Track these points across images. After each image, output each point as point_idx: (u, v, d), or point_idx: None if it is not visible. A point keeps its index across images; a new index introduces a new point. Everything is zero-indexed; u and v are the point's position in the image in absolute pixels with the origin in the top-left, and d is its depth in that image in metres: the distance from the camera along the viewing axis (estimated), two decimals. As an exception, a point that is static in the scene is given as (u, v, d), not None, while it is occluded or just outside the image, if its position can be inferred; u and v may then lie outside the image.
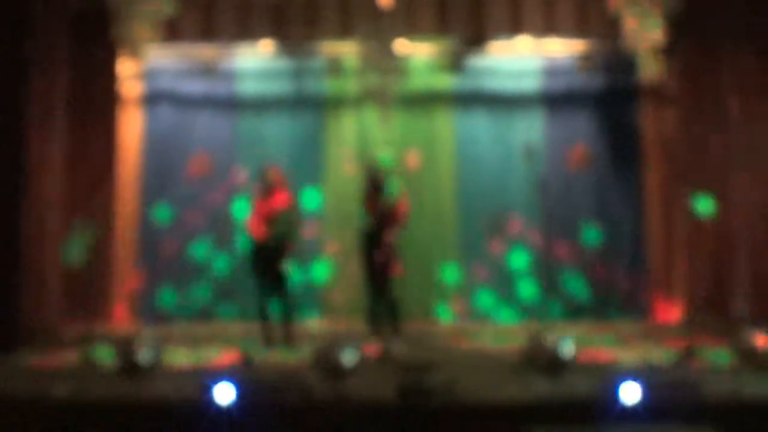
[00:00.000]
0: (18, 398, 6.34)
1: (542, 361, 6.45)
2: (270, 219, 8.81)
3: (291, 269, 8.86)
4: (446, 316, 11.10)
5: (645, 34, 8.97)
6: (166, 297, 11.22)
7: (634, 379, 6.02)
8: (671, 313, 10.74)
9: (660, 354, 8.02)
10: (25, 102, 8.76)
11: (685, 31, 9.87)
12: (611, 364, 7.62)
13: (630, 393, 5.97)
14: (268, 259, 8.80)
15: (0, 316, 8.53)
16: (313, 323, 10.70)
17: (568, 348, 6.43)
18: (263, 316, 8.94)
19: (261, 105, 11.56)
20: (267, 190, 8.96)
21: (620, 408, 5.95)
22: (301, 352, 8.10)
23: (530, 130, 11.34)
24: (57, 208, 9.71)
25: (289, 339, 8.80)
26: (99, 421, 6.07)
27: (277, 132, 11.52)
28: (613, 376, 6.19)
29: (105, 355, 7.61)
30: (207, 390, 5.96)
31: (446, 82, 11.46)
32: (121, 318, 11.01)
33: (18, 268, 8.81)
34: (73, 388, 6.43)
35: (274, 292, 8.86)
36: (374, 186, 8.92)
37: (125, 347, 6.41)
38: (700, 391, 6.14)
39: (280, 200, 8.91)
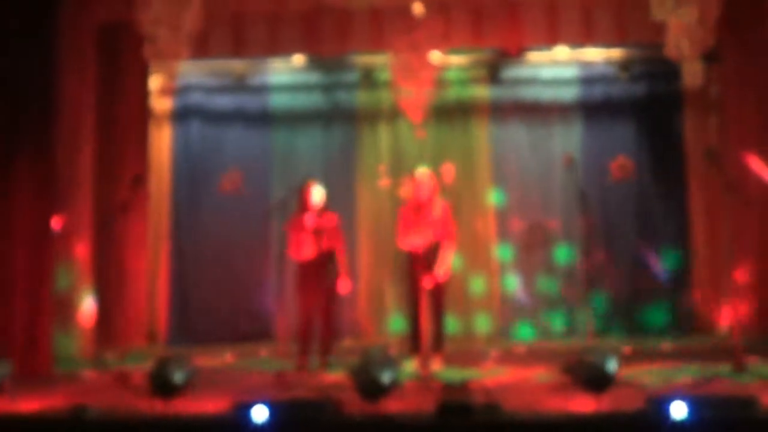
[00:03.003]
0: (52, 415, 6.26)
1: (586, 377, 6.25)
2: (312, 236, 8.60)
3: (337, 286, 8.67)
4: (484, 330, 10.92)
5: (687, 40, 8.79)
6: (199, 317, 11.12)
7: (683, 396, 5.81)
8: (718, 327, 10.48)
9: (709, 370, 7.77)
10: (55, 119, 8.72)
11: (729, 36, 9.68)
12: (658, 379, 7.40)
13: (678, 410, 5.75)
14: (313, 277, 8.62)
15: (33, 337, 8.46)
16: (348, 342, 10.47)
17: (612, 363, 6.23)
18: (304, 335, 8.65)
19: (293, 119, 11.48)
20: (305, 206, 8.71)
21: (668, 425, 5.74)
22: (337, 371, 7.93)
23: (569, 140, 11.18)
24: (87, 225, 9.65)
25: (325, 358, 8.60)
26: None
27: (309, 146, 11.44)
28: (661, 392, 6.01)
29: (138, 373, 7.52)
30: (241, 408, 5.84)
31: (482, 92, 11.34)
32: (151, 338, 10.95)
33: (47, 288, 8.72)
34: (107, 405, 6.34)
35: (318, 309, 8.66)
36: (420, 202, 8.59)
37: (159, 365, 6.31)
38: (753, 408, 5.91)
39: (323, 217, 8.68)
